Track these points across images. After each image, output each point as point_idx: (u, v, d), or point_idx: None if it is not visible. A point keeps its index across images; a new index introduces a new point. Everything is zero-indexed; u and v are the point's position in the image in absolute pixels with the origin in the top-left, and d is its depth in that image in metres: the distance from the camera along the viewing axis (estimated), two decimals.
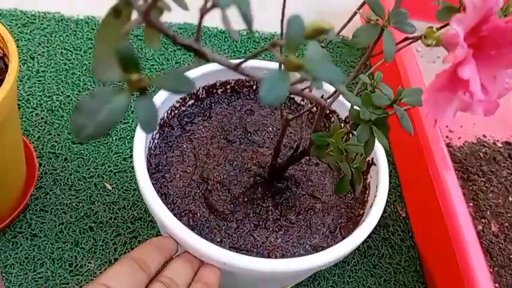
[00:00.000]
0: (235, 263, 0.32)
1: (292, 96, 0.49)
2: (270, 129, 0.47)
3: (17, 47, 0.63)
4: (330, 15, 0.79)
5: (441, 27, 0.32)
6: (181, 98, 0.45)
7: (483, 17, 0.21)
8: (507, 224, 0.55)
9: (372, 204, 0.39)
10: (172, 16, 0.71)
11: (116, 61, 0.16)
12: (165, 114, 0.44)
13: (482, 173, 0.59)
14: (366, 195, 0.42)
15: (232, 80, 0.48)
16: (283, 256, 0.38)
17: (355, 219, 0.41)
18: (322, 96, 0.43)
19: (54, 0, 0.70)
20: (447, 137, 0.63)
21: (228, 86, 0.48)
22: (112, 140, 0.56)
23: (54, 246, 0.47)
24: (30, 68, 0.61)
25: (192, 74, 0.44)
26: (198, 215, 0.40)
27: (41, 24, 0.67)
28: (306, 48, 0.18)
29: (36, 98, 0.58)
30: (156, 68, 0.64)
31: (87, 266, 0.46)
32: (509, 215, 0.56)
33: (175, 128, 0.45)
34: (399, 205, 0.56)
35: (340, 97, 0.41)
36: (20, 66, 0.61)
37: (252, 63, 0.45)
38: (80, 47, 0.65)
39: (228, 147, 0.44)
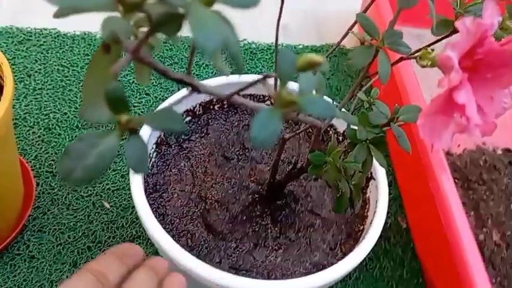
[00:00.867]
0: (234, 285, 0.32)
1: None
2: None
3: (13, 64, 0.63)
4: (327, 23, 0.78)
5: (435, 42, 0.32)
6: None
7: (478, 41, 0.21)
8: (509, 232, 0.55)
9: (372, 220, 0.39)
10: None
11: (104, 100, 0.16)
12: (162, 132, 0.43)
13: (482, 181, 0.59)
14: (366, 210, 0.41)
15: None
16: (283, 275, 0.38)
17: (356, 235, 0.41)
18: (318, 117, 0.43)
19: (50, 17, 0.70)
20: None
21: (225, 102, 0.48)
22: None
23: (53, 267, 0.47)
24: (27, 86, 0.61)
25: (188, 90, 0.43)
26: (197, 235, 0.39)
27: (38, 40, 0.67)
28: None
29: (33, 116, 0.58)
30: (146, 95, 0.64)
31: None
32: (510, 223, 0.56)
33: (173, 146, 0.45)
34: (400, 216, 0.56)
35: None
36: (17, 84, 0.61)
37: (246, 78, 0.44)
38: (77, 63, 0.65)
39: (226, 164, 0.44)
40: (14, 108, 0.58)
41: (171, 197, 0.41)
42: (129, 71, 0.65)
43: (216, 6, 0.13)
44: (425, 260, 0.51)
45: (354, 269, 0.50)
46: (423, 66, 0.24)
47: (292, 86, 0.16)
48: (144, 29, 0.17)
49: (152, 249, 0.49)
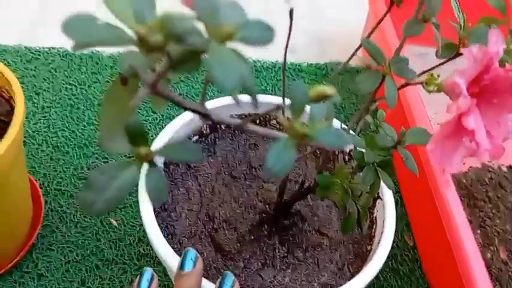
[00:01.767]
0: None
1: None
2: None
3: (22, 83, 0.64)
4: (329, 43, 0.79)
5: (437, 66, 0.32)
6: (185, 134, 0.45)
7: (484, 67, 0.21)
8: None
9: (380, 239, 0.39)
10: None
11: (122, 131, 0.16)
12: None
13: (488, 199, 0.59)
14: (373, 230, 0.42)
15: (236, 114, 0.48)
16: None
17: (363, 255, 0.41)
18: None
19: (58, 36, 0.71)
20: None
21: None
22: None
23: (61, 286, 0.47)
24: (36, 104, 0.62)
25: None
26: (205, 254, 0.39)
27: (46, 59, 0.68)
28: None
29: (42, 135, 0.59)
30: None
31: None
32: None
33: (180, 165, 0.45)
34: (407, 234, 0.56)
35: None
36: (26, 102, 0.62)
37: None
38: (85, 82, 0.65)
39: (233, 184, 0.44)
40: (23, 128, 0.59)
41: (179, 217, 0.41)
42: None
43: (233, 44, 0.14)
44: (432, 278, 0.51)
45: None
46: (429, 92, 0.24)
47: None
48: (162, 63, 0.18)
49: (160, 268, 0.49)
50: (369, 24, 0.72)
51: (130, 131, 0.15)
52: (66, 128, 0.60)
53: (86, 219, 0.52)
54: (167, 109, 0.63)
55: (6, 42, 0.69)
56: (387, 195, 0.41)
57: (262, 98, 0.47)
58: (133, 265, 0.49)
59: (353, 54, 0.30)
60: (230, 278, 0.32)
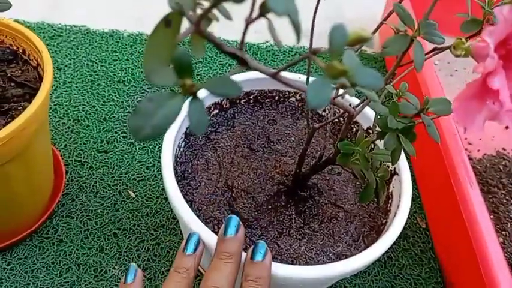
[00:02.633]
0: None
1: None
2: (292, 138, 0.47)
3: None
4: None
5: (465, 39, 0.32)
6: (206, 108, 0.46)
7: None
8: None
9: (396, 213, 0.39)
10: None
11: (167, 67, 0.17)
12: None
13: (502, 185, 0.59)
14: (389, 205, 0.42)
15: (256, 90, 0.49)
16: (306, 264, 0.39)
17: (378, 229, 0.42)
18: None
19: (80, 14, 0.73)
20: (466, 149, 0.63)
21: (251, 97, 0.49)
22: (135, 149, 0.57)
23: (80, 251, 0.48)
24: (57, 79, 0.63)
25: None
26: (223, 221, 0.40)
27: (68, 36, 0.69)
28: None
29: (63, 108, 0.60)
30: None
31: (112, 271, 0.47)
32: None
33: (200, 137, 0.46)
34: (419, 216, 0.56)
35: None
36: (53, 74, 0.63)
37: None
38: (105, 59, 0.67)
39: (252, 156, 0.45)
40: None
41: (198, 185, 0.42)
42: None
43: None
44: (444, 259, 0.52)
45: (373, 265, 0.51)
46: (457, 56, 0.25)
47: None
48: (202, 7, 0.19)
49: (176, 238, 0.50)
50: (389, 6, 0.72)
51: (177, 63, 0.16)
52: (87, 103, 0.61)
53: (104, 190, 0.53)
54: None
55: (29, 19, 0.70)
56: (404, 170, 0.41)
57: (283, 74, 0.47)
58: (149, 235, 0.50)
59: (381, 23, 0.30)
60: (263, 246, 0.33)
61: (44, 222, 0.49)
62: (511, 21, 0.21)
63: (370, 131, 0.46)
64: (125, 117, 0.60)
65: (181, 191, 0.41)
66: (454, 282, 0.49)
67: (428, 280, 0.51)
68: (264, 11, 0.16)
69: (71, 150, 0.56)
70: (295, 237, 0.40)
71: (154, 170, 0.56)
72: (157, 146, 0.58)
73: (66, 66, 0.65)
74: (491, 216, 0.56)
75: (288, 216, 0.41)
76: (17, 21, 0.69)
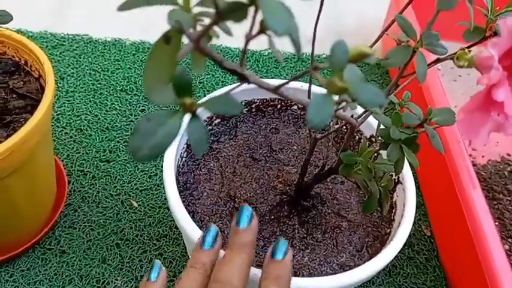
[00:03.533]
0: None
1: None
2: (295, 147, 0.47)
3: None
4: (347, 36, 0.80)
5: (467, 48, 0.32)
6: (208, 117, 0.46)
7: None
8: None
9: (400, 223, 0.39)
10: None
11: (167, 85, 0.17)
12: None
13: (507, 191, 0.59)
14: (393, 214, 0.42)
15: (257, 99, 0.48)
16: (310, 275, 0.38)
17: (382, 238, 0.41)
18: (351, 116, 0.44)
19: (83, 23, 0.73)
20: (470, 155, 0.63)
21: (253, 105, 0.49)
22: None
23: (82, 262, 0.48)
24: (60, 89, 0.63)
25: (218, 93, 0.45)
26: (226, 232, 0.40)
27: (71, 46, 0.69)
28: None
29: (66, 118, 0.60)
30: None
31: (114, 283, 0.47)
32: None
33: None
34: (424, 224, 0.56)
35: None
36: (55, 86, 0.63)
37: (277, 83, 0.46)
38: (108, 68, 0.67)
39: (254, 166, 0.45)
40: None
41: (200, 195, 0.42)
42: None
43: None
44: (450, 268, 0.51)
45: (378, 274, 0.51)
46: (460, 67, 0.25)
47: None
48: (202, 23, 0.18)
49: (178, 248, 0.50)
50: (390, 15, 0.72)
51: (177, 81, 0.16)
52: (90, 112, 0.61)
53: (107, 200, 0.53)
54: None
55: (32, 28, 0.71)
56: (408, 179, 0.41)
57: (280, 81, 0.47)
58: (152, 245, 0.50)
59: (382, 33, 0.30)
60: (284, 243, 0.32)
61: (47, 233, 0.49)
62: None
63: (374, 139, 0.46)
64: (127, 126, 0.60)
65: (184, 201, 0.41)
66: None
67: None
68: (264, 28, 0.16)
69: (73, 160, 0.56)
70: (299, 248, 0.40)
71: (156, 179, 0.56)
72: (160, 155, 0.58)
73: (68, 75, 0.65)
74: (496, 223, 0.56)
75: (291, 227, 0.41)
76: (19, 30, 0.70)
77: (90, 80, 0.65)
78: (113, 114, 0.61)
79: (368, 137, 0.46)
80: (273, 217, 0.41)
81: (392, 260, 0.52)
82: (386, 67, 0.70)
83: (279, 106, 0.50)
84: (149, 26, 0.74)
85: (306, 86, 0.46)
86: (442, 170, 0.51)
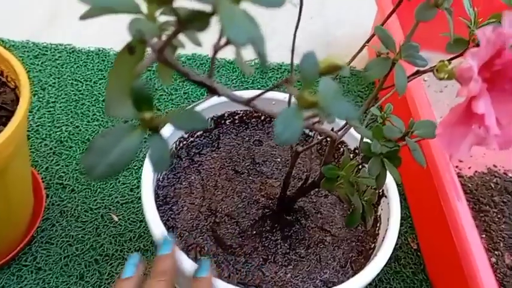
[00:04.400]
0: None
1: None
2: (279, 160, 0.46)
3: (28, 78, 0.64)
4: (336, 46, 0.79)
5: (450, 59, 0.32)
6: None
7: (497, 51, 0.21)
8: None
9: (384, 237, 0.38)
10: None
11: (128, 98, 0.16)
12: (174, 145, 0.44)
13: (494, 203, 0.58)
14: (377, 228, 0.41)
15: (241, 110, 0.48)
16: None
17: (366, 253, 0.40)
18: (332, 129, 0.43)
19: (65, 33, 0.72)
20: (457, 167, 0.62)
21: (237, 117, 0.48)
22: None
23: (59, 280, 0.46)
24: (41, 99, 0.62)
25: (201, 105, 0.44)
26: (206, 248, 0.39)
27: (53, 55, 0.68)
28: (317, 83, 0.18)
29: (46, 129, 0.59)
30: (164, 99, 0.65)
31: None
32: None
33: (184, 159, 0.45)
34: (410, 237, 0.55)
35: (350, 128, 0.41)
36: (31, 97, 0.62)
37: (251, 94, 0.45)
38: (90, 78, 0.66)
39: (236, 179, 0.44)
40: (27, 120, 0.59)
41: (180, 210, 0.41)
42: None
43: (244, 5, 0.14)
44: (436, 281, 0.50)
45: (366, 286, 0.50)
46: (440, 79, 0.24)
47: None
48: (168, 32, 0.18)
49: None
50: (377, 23, 0.72)
51: (136, 95, 0.15)
52: (71, 123, 0.60)
53: (86, 214, 0.51)
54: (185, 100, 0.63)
55: (14, 37, 0.69)
56: (392, 192, 0.40)
57: (268, 94, 0.46)
58: None
59: (364, 45, 0.29)
60: (207, 262, 0.33)
61: (23, 249, 0.48)
62: (494, 43, 0.21)
63: (358, 151, 0.45)
64: None
65: (163, 216, 0.40)
66: None
67: None
68: (230, 40, 0.15)
69: (52, 173, 0.54)
70: (281, 264, 0.39)
71: (138, 192, 0.54)
72: (142, 168, 0.56)
73: (50, 85, 0.64)
74: (483, 236, 0.55)
75: (274, 242, 0.40)
76: (1, 40, 0.68)
77: (72, 91, 0.64)
78: (95, 125, 0.60)
79: (352, 149, 0.45)
80: (254, 232, 0.40)
81: (379, 274, 0.51)
82: (366, 80, 0.69)
83: (262, 117, 0.49)
84: None
85: (277, 95, 0.45)
86: (427, 181, 0.50)
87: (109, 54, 0.70)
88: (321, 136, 0.36)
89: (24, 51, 0.68)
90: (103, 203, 0.53)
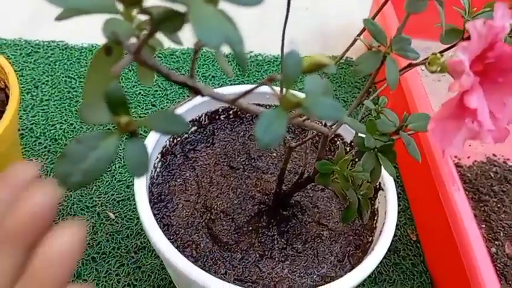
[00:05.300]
0: None
1: None
2: (274, 154, 0.46)
3: (21, 76, 0.64)
4: (332, 37, 0.78)
5: (442, 51, 0.31)
6: None
7: (489, 44, 0.20)
8: None
9: (381, 231, 0.38)
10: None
11: (103, 102, 0.15)
12: (167, 142, 0.43)
13: (493, 193, 0.58)
14: (375, 222, 0.41)
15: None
16: (290, 287, 0.37)
17: (364, 247, 0.40)
18: (325, 124, 0.43)
19: (58, 29, 0.71)
20: (456, 156, 0.62)
21: (231, 112, 0.47)
22: (115, 167, 0.55)
23: None
24: (34, 97, 0.61)
25: (194, 100, 0.43)
26: (202, 245, 0.38)
27: (45, 53, 0.67)
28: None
29: (40, 127, 0.58)
30: (159, 94, 0.64)
31: None
32: None
33: (178, 156, 0.44)
34: (409, 228, 0.55)
35: None
36: (24, 95, 0.61)
37: (238, 90, 0.44)
38: (84, 75, 0.65)
39: (232, 175, 0.43)
40: (21, 119, 0.58)
41: (176, 207, 0.41)
42: (135, 82, 0.65)
43: (221, 6, 0.13)
44: (436, 273, 0.50)
45: (363, 281, 0.49)
46: (432, 72, 0.23)
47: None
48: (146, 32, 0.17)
49: (157, 261, 0.48)
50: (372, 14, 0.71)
51: (111, 99, 0.14)
52: (65, 121, 0.59)
53: (83, 212, 0.51)
54: (167, 103, 0.63)
55: (5, 35, 0.69)
56: (389, 185, 0.39)
57: (261, 88, 0.46)
58: (130, 258, 0.48)
59: (355, 39, 0.29)
60: None
61: None
62: (486, 35, 0.20)
63: (354, 144, 0.44)
64: None
65: (158, 214, 0.40)
66: None
67: None
68: (205, 44, 0.15)
69: (47, 172, 0.54)
70: (278, 259, 0.38)
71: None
72: None
73: (43, 83, 0.63)
74: (483, 226, 0.55)
75: (270, 237, 0.40)
76: None
77: (66, 88, 0.63)
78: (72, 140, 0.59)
79: (349, 142, 0.45)
80: (251, 228, 0.40)
81: (378, 267, 0.51)
82: (357, 74, 0.69)
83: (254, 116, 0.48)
84: None
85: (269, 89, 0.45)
86: (425, 172, 0.49)
87: None
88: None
89: (17, 49, 0.67)
90: (99, 200, 0.52)
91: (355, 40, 0.30)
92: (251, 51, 0.73)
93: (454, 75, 0.22)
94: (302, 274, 0.38)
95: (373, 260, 0.36)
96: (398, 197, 0.40)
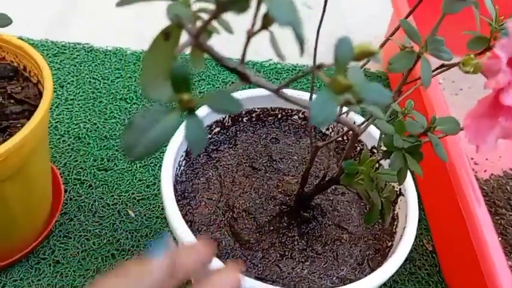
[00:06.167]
0: None
1: None
2: (295, 157, 0.46)
3: None
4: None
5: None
6: (207, 126, 0.45)
7: None
8: None
9: (401, 236, 0.38)
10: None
11: (164, 80, 0.16)
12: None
13: (510, 206, 0.58)
14: (395, 227, 0.41)
15: (258, 108, 0.48)
16: None
17: (384, 251, 0.40)
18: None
19: (84, 32, 0.73)
20: (473, 169, 0.62)
21: (254, 115, 0.48)
22: (136, 167, 0.56)
23: (77, 273, 0.47)
24: (60, 96, 0.63)
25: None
26: (224, 243, 0.39)
27: (71, 54, 0.69)
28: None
29: (64, 126, 0.59)
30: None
31: None
32: None
33: (201, 155, 0.45)
34: (425, 238, 0.55)
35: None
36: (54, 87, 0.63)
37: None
38: (108, 77, 0.66)
39: (254, 175, 0.44)
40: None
41: (198, 205, 0.41)
42: None
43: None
44: (452, 283, 0.50)
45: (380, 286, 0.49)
46: (466, 72, 0.24)
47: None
48: (202, 18, 0.18)
49: None
50: (393, 25, 0.72)
51: (175, 77, 0.15)
52: (88, 120, 0.61)
53: (103, 209, 0.52)
54: None
55: (33, 36, 0.70)
56: (410, 191, 0.40)
57: (286, 91, 0.47)
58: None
59: (387, 39, 0.30)
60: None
61: (41, 242, 0.48)
62: None
63: (375, 150, 0.45)
64: None
65: (181, 211, 0.40)
66: None
67: None
68: (266, 23, 0.16)
69: (70, 169, 0.55)
70: (298, 260, 0.39)
71: (154, 189, 0.55)
72: (158, 165, 0.57)
73: (68, 83, 0.65)
74: (500, 239, 0.55)
75: (291, 238, 0.40)
76: (20, 38, 0.70)
77: (90, 89, 0.64)
78: (112, 122, 0.61)
79: (370, 147, 0.45)
80: (272, 228, 0.40)
81: (394, 275, 0.51)
82: (390, 72, 0.69)
83: (279, 116, 0.49)
84: (150, 35, 0.74)
85: (307, 95, 0.45)
86: (443, 183, 0.50)
87: (126, 54, 0.71)
88: (341, 132, 0.36)
89: (43, 49, 0.69)
90: (120, 198, 0.53)
91: (387, 40, 0.30)
92: (270, 59, 0.74)
93: (488, 75, 0.23)
94: (322, 275, 0.38)
95: (393, 264, 0.36)
96: (418, 204, 0.40)
